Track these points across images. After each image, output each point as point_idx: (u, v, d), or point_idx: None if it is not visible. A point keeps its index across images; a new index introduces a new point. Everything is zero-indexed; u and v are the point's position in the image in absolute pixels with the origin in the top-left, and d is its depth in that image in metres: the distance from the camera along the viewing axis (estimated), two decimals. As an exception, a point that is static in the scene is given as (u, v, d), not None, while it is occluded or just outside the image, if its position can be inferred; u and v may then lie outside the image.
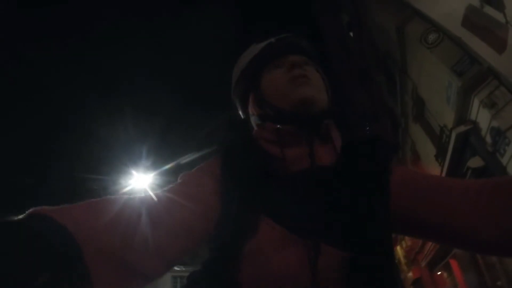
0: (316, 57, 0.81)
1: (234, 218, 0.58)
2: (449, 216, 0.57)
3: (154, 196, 0.58)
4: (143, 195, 0.58)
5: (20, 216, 0.41)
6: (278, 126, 0.68)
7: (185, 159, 0.72)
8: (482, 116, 5.25)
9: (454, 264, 9.15)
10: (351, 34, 11.92)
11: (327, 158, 0.67)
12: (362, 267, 0.54)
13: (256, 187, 0.62)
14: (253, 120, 0.77)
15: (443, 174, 7.06)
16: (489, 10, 5.10)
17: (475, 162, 5.67)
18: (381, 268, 0.56)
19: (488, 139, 5.17)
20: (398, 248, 14.71)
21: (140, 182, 9.58)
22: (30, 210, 0.43)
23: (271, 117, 0.71)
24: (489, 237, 0.54)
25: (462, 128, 5.78)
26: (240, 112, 0.83)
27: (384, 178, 0.64)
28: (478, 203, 0.55)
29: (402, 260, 15.28)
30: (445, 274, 11.00)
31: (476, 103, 5.25)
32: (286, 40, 0.78)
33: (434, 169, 7.95)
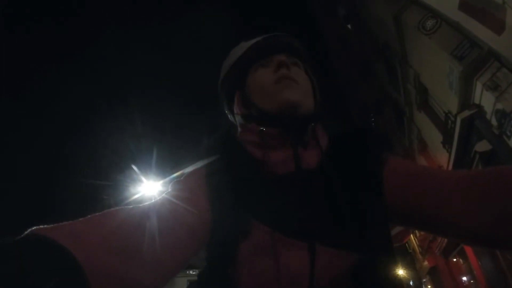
0: (307, 57, 0.79)
1: (225, 225, 0.58)
2: (442, 207, 0.56)
3: (155, 203, 0.59)
4: (149, 202, 0.59)
5: (17, 238, 0.39)
6: (262, 128, 0.66)
7: (191, 167, 0.72)
8: (486, 99, 5.19)
9: (468, 250, 9.07)
10: (349, 26, 11.87)
11: (313, 161, 0.66)
12: (361, 264, 0.54)
13: (243, 192, 0.61)
14: (238, 120, 0.76)
15: (451, 160, 7.01)
16: (485, -8, 5.06)
17: (482, 146, 5.61)
18: (381, 263, 0.55)
19: (494, 122, 5.11)
20: (412, 237, 14.59)
21: (150, 189, 9.64)
22: (28, 231, 0.41)
23: (255, 118, 0.69)
24: (481, 228, 0.53)
25: (466, 113, 5.72)
26: (225, 110, 0.82)
27: (376, 171, 0.64)
28: (470, 194, 0.54)
29: (417, 249, 15.18)
30: (460, 261, 10.90)
31: (479, 86, 5.20)
32: (275, 39, 0.75)
33: (442, 155, 7.89)
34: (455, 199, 0.55)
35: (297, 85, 0.69)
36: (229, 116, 0.82)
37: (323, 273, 0.53)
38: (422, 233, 12.85)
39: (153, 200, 0.61)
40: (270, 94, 0.68)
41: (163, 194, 0.63)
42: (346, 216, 0.57)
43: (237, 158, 0.67)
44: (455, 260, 11.27)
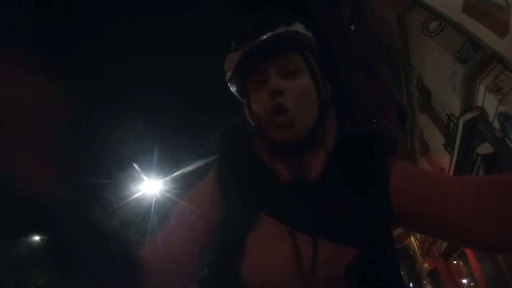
0: (309, 44, 0.71)
1: (235, 217, 0.62)
2: (448, 213, 0.57)
3: (170, 211, 0.69)
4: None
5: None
6: (267, 145, 0.69)
7: (193, 166, 0.78)
8: (488, 102, 5.18)
9: (469, 253, 9.05)
10: (352, 27, 11.85)
11: (319, 166, 0.66)
12: (361, 261, 0.55)
13: (254, 190, 0.65)
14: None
15: (453, 163, 6.99)
16: (489, -6, 5.04)
17: (484, 149, 5.60)
18: (380, 262, 0.57)
19: (496, 124, 5.10)
20: (413, 239, 14.57)
21: (151, 187, 9.67)
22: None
23: (261, 133, 0.70)
24: (487, 235, 0.54)
25: (469, 116, 5.70)
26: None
27: (382, 175, 0.64)
28: (478, 201, 0.55)
29: (417, 251, 15.15)
30: (460, 263, 10.88)
31: (481, 89, 5.19)
32: (266, 44, 0.65)
33: (444, 158, 7.87)
34: (462, 206, 0.56)
35: (292, 118, 0.65)
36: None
37: (325, 265, 0.56)
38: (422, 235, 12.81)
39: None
40: (268, 128, 0.68)
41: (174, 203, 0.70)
42: (350, 216, 0.59)
43: (247, 156, 0.71)
44: (455, 262, 11.25)
